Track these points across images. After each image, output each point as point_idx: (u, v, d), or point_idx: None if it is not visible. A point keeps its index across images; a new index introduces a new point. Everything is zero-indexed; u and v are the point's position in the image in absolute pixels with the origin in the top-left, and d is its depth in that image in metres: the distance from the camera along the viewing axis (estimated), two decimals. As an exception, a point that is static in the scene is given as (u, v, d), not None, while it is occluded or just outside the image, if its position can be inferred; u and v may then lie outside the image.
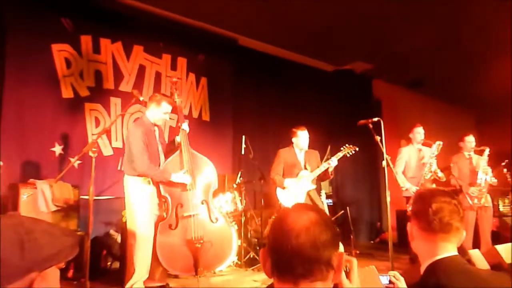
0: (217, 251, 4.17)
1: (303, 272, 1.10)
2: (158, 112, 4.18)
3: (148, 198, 4.08)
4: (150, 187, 4.10)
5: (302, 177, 5.26)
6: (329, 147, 8.84)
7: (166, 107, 4.19)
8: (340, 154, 5.32)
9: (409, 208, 1.80)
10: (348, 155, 5.37)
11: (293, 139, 5.47)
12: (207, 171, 4.41)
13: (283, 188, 5.24)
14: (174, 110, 4.51)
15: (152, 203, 4.11)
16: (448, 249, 1.60)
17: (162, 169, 4.12)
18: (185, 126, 4.39)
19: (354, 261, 1.36)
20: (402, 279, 2.05)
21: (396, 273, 2.10)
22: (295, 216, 1.17)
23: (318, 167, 5.31)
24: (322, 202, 5.65)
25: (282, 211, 1.23)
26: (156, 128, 4.29)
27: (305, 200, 5.22)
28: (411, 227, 1.72)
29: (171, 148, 4.45)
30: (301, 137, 5.44)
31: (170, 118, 5.21)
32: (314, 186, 5.37)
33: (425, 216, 1.62)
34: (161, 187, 4.10)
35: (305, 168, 5.36)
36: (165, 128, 6.22)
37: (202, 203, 4.25)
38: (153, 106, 4.18)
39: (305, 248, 1.10)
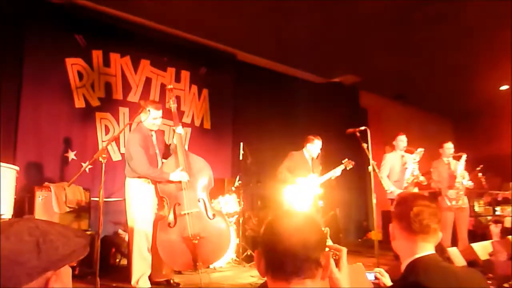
0: (214, 246, 4.06)
1: (294, 270, 1.11)
2: (149, 119, 4.13)
3: (147, 197, 4.06)
4: (150, 186, 4.09)
5: (311, 179, 5.30)
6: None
7: (153, 112, 4.12)
8: (342, 166, 5.39)
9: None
10: (347, 169, 5.42)
11: (308, 145, 5.52)
12: (203, 171, 4.29)
13: (293, 183, 5.25)
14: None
15: (151, 202, 4.09)
16: (426, 249, 1.61)
17: (160, 170, 4.09)
18: (179, 129, 4.29)
19: (344, 250, 1.35)
20: (386, 275, 2.05)
21: (381, 270, 2.10)
22: (287, 219, 1.19)
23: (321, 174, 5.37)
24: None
25: (274, 216, 1.24)
26: (153, 133, 4.26)
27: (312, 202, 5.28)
28: (393, 228, 1.72)
29: (168, 152, 4.42)
30: (317, 145, 5.50)
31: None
32: (321, 191, 5.40)
33: (406, 218, 1.62)
34: (159, 188, 4.05)
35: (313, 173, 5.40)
36: (169, 133, 6.21)
37: (199, 201, 4.14)
38: (143, 114, 4.13)
39: (296, 248, 1.12)
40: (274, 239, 1.15)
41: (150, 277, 3.99)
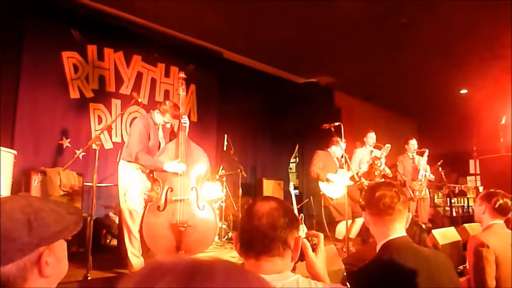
0: (199, 237, 3.74)
1: (263, 248, 1.13)
2: (161, 119, 4.00)
3: (136, 179, 3.82)
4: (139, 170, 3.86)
5: (340, 175, 5.43)
6: (297, 146, 8.94)
7: (168, 118, 4.00)
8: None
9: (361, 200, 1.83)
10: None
11: (333, 147, 5.61)
12: (200, 161, 4.02)
13: (324, 180, 5.45)
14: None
15: (140, 184, 3.84)
16: (397, 231, 1.62)
17: (155, 159, 3.82)
18: (184, 119, 4.05)
19: (321, 235, 1.36)
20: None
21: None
22: (260, 203, 1.21)
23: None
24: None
25: (252, 201, 1.26)
26: (160, 127, 4.07)
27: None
28: (365, 215, 1.74)
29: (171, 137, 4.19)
30: (340, 147, 5.42)
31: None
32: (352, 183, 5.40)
33: (372, 204, 1.65)
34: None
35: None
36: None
37: (192, 190, 3.84)
38: (158, 112, 3.98)
39: (264, 228, 1.14)
40: (247, 220, 1.18)
41: None
